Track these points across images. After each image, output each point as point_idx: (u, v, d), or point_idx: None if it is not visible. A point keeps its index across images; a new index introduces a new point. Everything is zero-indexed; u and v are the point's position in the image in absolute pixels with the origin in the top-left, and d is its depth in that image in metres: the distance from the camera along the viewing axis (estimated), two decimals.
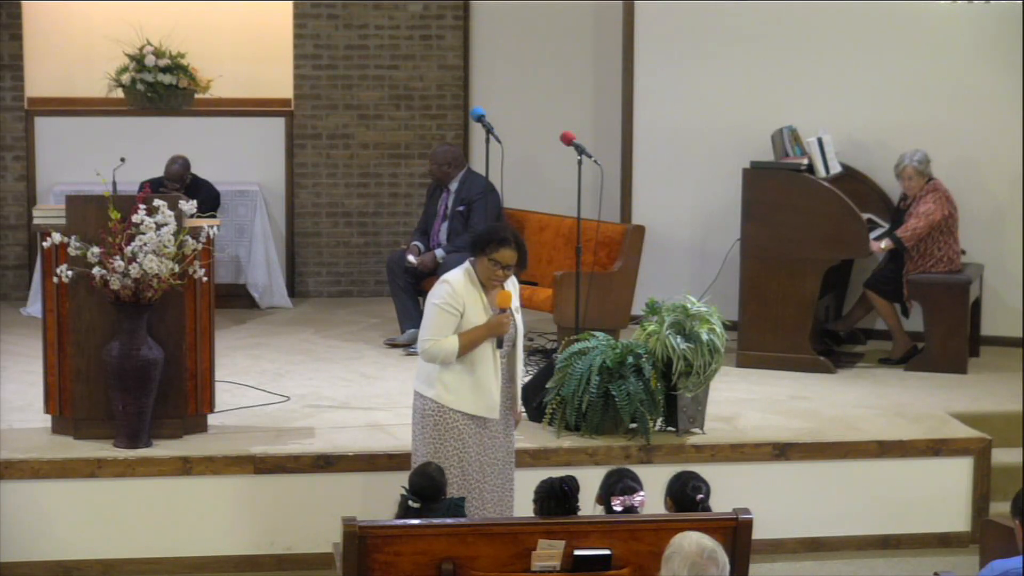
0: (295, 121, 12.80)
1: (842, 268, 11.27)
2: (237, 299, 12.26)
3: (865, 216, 10.76)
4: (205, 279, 8.58)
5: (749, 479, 8.75)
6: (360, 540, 6.45)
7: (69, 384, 8.61)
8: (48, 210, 8.84)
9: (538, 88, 12.78)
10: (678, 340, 8.77)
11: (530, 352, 10.66)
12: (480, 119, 10.41)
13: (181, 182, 11.46)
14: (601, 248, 10.79)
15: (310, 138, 12.81)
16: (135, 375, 8.38)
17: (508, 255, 7.47)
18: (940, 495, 9.02)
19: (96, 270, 8.26)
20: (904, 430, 9.20)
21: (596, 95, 12.72)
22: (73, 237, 8.34)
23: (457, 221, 11.06)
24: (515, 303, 7.62)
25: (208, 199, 11.30)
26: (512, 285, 7.64)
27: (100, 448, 8.50)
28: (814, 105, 11.30)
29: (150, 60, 12.53)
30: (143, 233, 8.24)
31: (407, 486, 7.10)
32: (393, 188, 12.91)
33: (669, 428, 8.98)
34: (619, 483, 6.80)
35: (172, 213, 8.33)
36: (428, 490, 6.99)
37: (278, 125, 12.83)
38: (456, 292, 7.46)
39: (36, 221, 8.73)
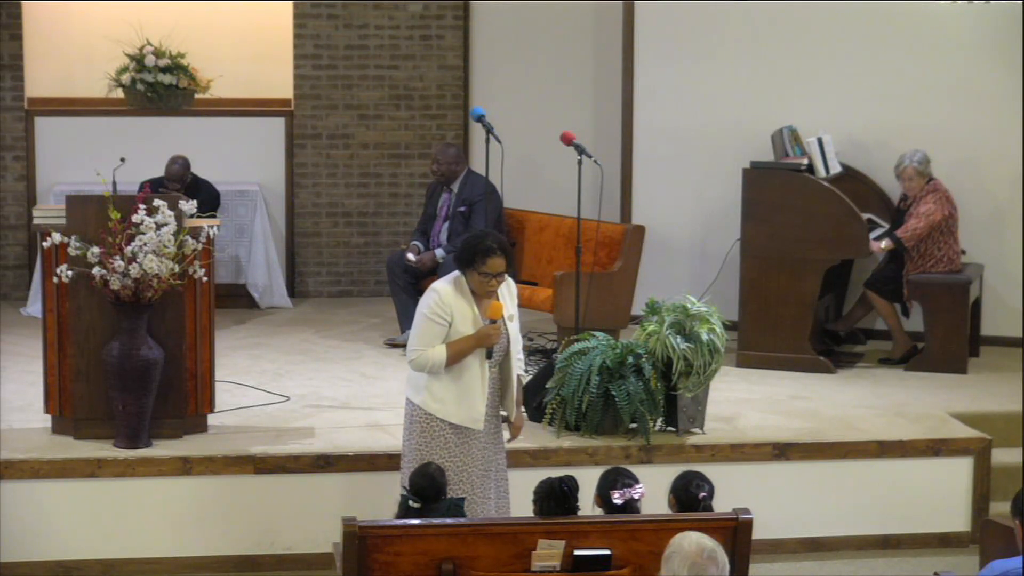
0: (295, 121, 12.79)
1: (842, 268, 11.26)
2: (237, 299, 12.26)
3: (865, 216, 10.75)
4: (205, 279, 8.58)
5: (749, 479, 8.75)
6: (360, 540, 6.45)
7: (69, 384, 8.61)
8: (48, 210, 8.83)
9: (538, 88, 12.78)
10: (678, 340, 8.77)
11: (530, 352, 10.65)
12: (480, 119, 10.39)
13: (181, 182, 11.46)
14: (601, 248, 10.79)
15: (310, 138, 12.81)
16: (135, 375, 8.37)
17: (496, 263, 7.33)
18: (940, 495, 9.02)
19: (96, 270, 8.25)
20: (904, 430, 9.19)
21: (596, 95, 12.72)
22: (73, 237, 8.34)
23: (458, 222, 11.05)
24: (511, 309, 7.52)
25: (208, 199, 11.31)
26: (509, 287, 7.57)
27: (100, 448, 8.49)
28: (814, 105, 11.30)
29: (150, 60, 12.52)
30: (143, 233, 8.23)
31: (406, 486, 7.10)
32: (393, 188, 12.91)
33: (669, 428, 8.97)
34: (616, 481, 6.79)
35: (172, 213, 8.32)
36: (429, 490, 6.98)
37: (278, 125, 12.82)
38: (444, 302, 7.35)
39: (36, 221, 8.72)
